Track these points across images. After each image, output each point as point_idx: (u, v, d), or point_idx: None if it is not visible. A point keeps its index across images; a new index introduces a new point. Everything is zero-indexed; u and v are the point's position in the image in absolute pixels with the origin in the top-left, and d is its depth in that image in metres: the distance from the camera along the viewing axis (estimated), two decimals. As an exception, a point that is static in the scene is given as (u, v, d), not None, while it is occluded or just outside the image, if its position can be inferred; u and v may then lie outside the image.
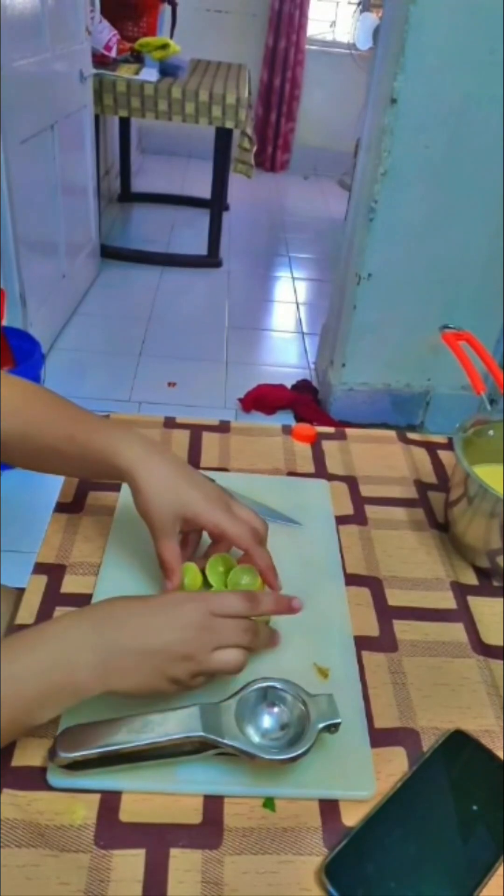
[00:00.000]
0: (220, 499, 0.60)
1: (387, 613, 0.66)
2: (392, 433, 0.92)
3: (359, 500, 0.79)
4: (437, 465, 0.87)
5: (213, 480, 0.64)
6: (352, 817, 0.49)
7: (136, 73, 2.94)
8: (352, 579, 0.69)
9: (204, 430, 0.87)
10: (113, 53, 2.96)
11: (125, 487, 0.74)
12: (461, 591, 0.69)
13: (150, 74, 2.93)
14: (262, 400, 2.42)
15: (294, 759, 0.48)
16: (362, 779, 0.51)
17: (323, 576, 0.68)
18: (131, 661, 0.49)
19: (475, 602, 0.68)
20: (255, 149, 3.14)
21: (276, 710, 0.52)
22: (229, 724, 0.50)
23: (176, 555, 0.59)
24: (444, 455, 0.89)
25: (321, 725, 0.50)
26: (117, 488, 0.74)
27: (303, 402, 2.42)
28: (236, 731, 0.49)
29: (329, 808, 0.50)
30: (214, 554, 0.63)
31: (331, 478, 0.82)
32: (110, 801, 0.49)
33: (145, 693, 0.50)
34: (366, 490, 0.81)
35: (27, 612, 0.61)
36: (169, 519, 0.59)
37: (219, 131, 3.10)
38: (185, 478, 0.60)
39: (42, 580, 0.65)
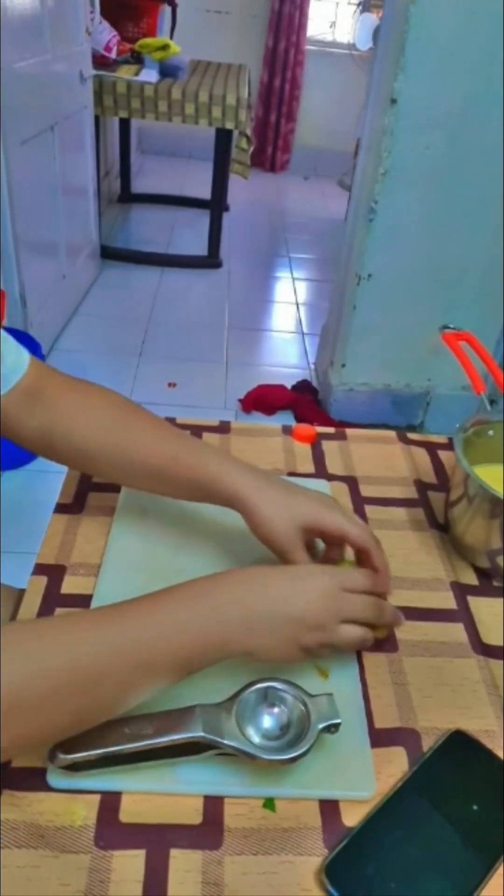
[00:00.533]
0: (334, 504, 0.62)
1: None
2: (392, 433, 0.92)
3: (359, 501, 0.79)
4: (438, 465, 0.87)
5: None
6: (352, 818, 0.49)
7: (136, 74, 2.95)
8: (352, 580, 0.68)
9: (204, 430, 0.87)
10: (113, 54, 2.96)
11: (125, 489, 0.74)
12: (461, 591, 0.69)
13: (150, 75, 2.93)
14: (263, 400, 2.42)
15: (294, 760, 0.48)
16: (362, 779, 0.51)
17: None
18: (270, 625, 0.51)
19: (475, 602, 0.68)
20: (252, 149, 3.15)
21: (276, 710, 0.52)
22: (229, 724, 0.49)
23: (308, 561, 0.61)
24: (444, 455, 0.88)
25: (321, 726, 0.50)
26: (117, 489, 0.74)
27: (303, 402, 2.42)
28: (236, 731, 0.49)
29: (329, 809, 0.50)
30: (330, 560, 0.65)
31: (331, 478, 0.82)
32: (110, 801, 0.49)
33: (278, 658, 0.53)
34: (366, 490, 0.81)
35: (27, 612, 0.61)
36: (292, 532, 0.60)
37: (219, 132, 3.10)
38: (294, 491, 0.62)
39: (42, 581, 0.65)
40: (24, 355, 0.63)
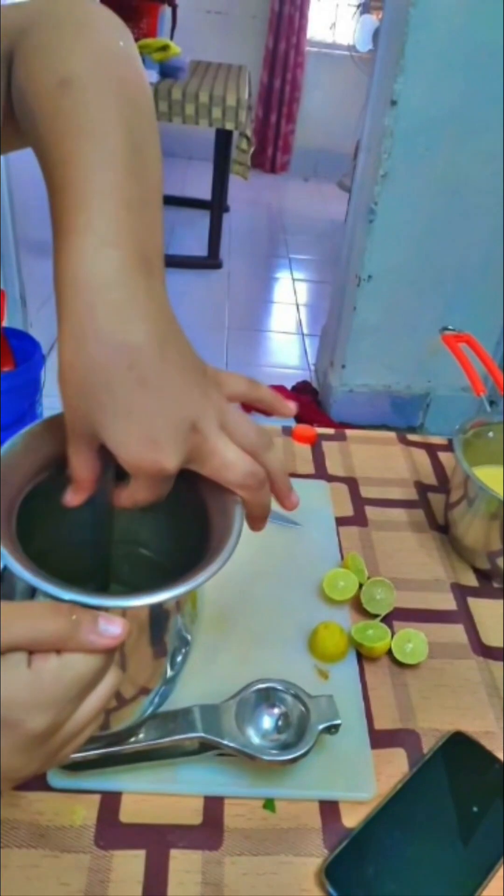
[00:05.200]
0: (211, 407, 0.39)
1: (388, 615, 0.66)
2: (392, 434, 0.92)
3: (359, 502, 0.79)
4: (438, 466, 0.87)
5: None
6: (352, 818, 0.49)
7: (137, 74, 2.95)
8: (352, 580, 0.69)
9: (204, 431, 0.87)
10: (113, 55, 2.96)
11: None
12: (461, 592, 0.69)
13: (150, 76, 2.94)
14: (262, 401, 2.42)
15: (294, 761, 0.48)
16: (362, 780, 0.51)
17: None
18: None
19: (475, 603, 0.68)
20: (252, 149, 3.15)
21: (276, 711, 0.52)
22: (229, 724, 0.49)
23: (87, 472, 0.38)
24: (444, 456, 0.89)
25: (321, 727, 0.50)
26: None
27: (303, 403, 2.42)
28: (236, 731, 0.49)
29: (329, 810, 0.50)
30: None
31: (331, 479, 0.82)
32: (110, 801, 0.49)
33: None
34: (366, 491, 0.81)
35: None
36: (80, 424, 0.36)
37: (219, 133, 3.11)
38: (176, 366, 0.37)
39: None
40: None
